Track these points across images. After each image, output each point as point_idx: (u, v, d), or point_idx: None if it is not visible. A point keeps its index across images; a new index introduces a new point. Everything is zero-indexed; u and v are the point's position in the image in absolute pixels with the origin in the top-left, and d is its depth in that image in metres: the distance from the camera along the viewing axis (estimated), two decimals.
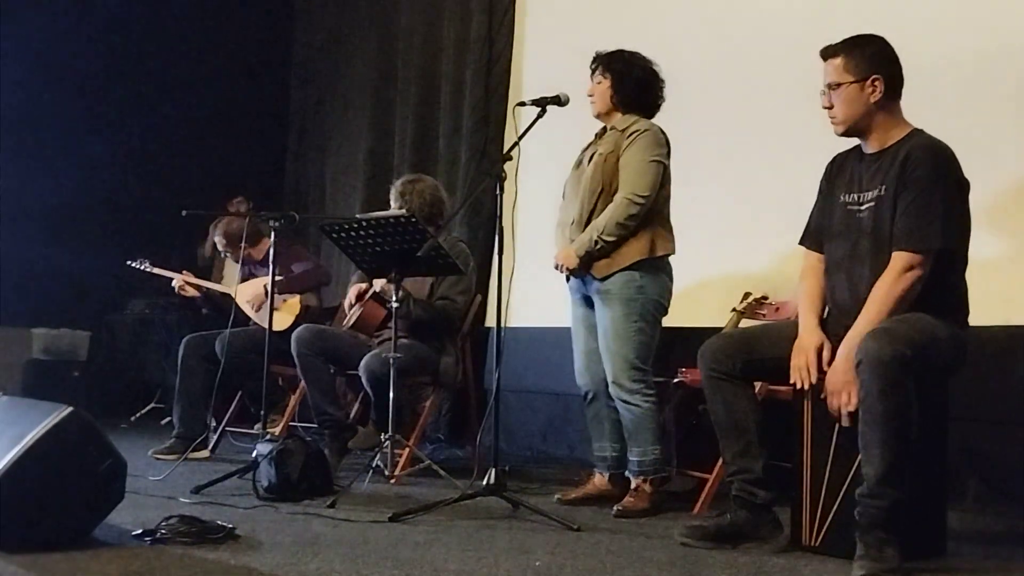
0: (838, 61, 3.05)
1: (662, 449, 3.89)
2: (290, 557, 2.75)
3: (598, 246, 3.80)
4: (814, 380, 2.98)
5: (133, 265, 5.46)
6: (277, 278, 5.08)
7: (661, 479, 3.89)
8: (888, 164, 3.02)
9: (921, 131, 3.05)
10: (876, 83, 3.02)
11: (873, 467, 2.73)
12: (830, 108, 3.08)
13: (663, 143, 3.89)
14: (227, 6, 7.74)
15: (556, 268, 3.95)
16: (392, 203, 4.83)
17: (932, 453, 2.98)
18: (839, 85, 3.04)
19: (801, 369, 3.01)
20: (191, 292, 5.42)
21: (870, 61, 3.03)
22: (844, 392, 2.86)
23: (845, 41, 3.07)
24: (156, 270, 5.47)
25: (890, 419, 2.71)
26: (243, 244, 5.20)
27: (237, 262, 5.42)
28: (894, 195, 2.96)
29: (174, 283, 5.42)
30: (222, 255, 5.54)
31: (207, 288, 5.45)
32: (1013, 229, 3.96)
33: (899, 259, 2.92)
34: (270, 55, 8.12)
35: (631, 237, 3.81)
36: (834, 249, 3.14)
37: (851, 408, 2.85)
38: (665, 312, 3.95)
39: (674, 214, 3.97)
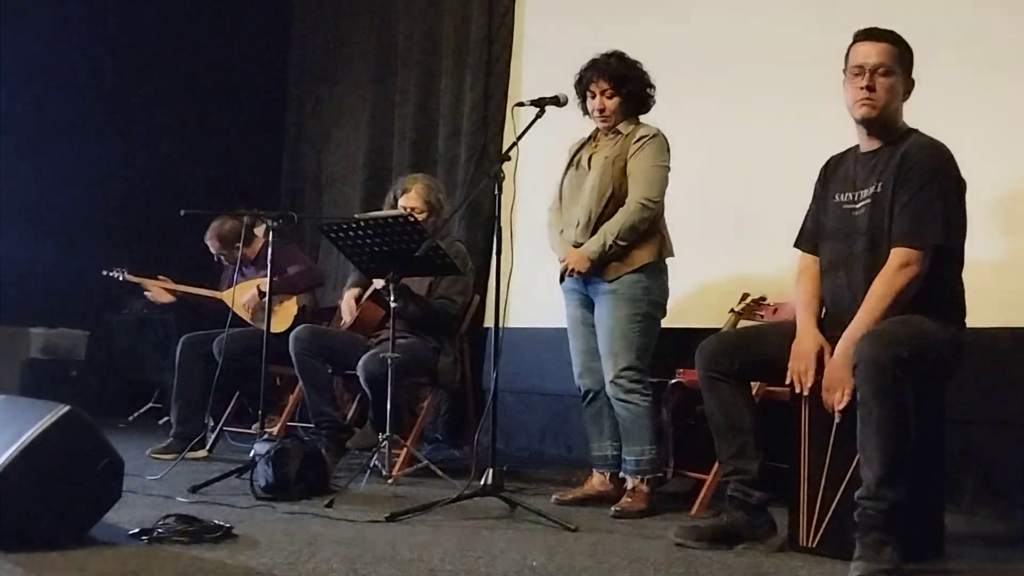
0: (896, 50, 3.03)
1: (659, 449, 3.90)
2: (287, 557, 2.75)
3: (611, 250, 3.81)
4: (812, 384, 2.97)
5: (110, 275, 5.43)
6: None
7: (657, 479, 3.90)
8: (884, 162, 3.02)
9: (917, 130, 3.06)
10: (910, 86, 3.06)
11: (872, 469, 2.73)
12: (871, 89, 3.00)
13: (667, 149, 3.92)
14: (226, 6, 7.74)
15: (564, 271, 3.95)
16: (402, 203, 4.81)
17: (930, 455, 2.98)
18: (891, 72, 3.01)
19: (800, 374, 3.01)
20: (168, 298, 5.35)
21: (910, 66, 3.06)
22: (839, 389, 2.87)
23: (895, 34, 3.05)
24: (132, 278, 5.42)
25: (888, 421, 2.70)
26: (239, 244, 5.19)
27: (232, 264, 5.40)
28: (892, 192, 2.96)
29: (149, 294, 5.36)
30: (215, 259, 5.49)
31: (187, 292, 5.37)
32: (1010, 230, 3.96)
33: (897, 255, 2.92)
34: (268, 55, 8.10)
35: (641, 241, 3.84)
36: (830, 249, 3.14)
37: (842, 405, 2.85)
38: (664, 314, 3.98)
39: (672, 215, 3.98)
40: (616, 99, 3.93)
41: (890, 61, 3.01)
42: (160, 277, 5.40)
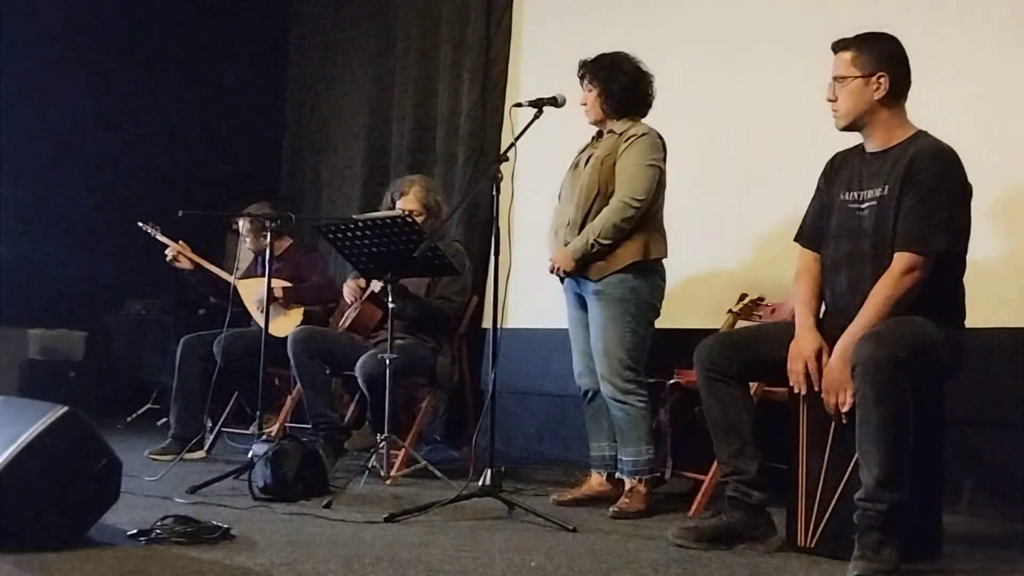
0: (848, 55, 3.07)
1: (655, 449, 3.90)
2: (285, 557, 2.75)
3: (594, 249, 3.80)
4: (816, 387, 2.96)
5: (143, 227, 5.38)
6: (286, 284, 5.10)
7: (655, 479, 3.89)
8: (891, 164, 3.02)
9: (926, 133, 3.05)
10: (881, 80, 3.02)
11: (871, 471, 2.74)
12: (834, 101, 3.09)
13: (660, 147, 3.90)
14: (225, 8, 7.74)
15: (552, 271, 3.96)
16: (400, 205, 4.80)
17: (928, 455, 2.97)
18: (845, 78, 3.05)
19: (800, 374, 3.00)
20: (184, 264, 5.27)
21: (878, 58, 3.04)
22: (840, 391, 2.87)
23: (856, 36, 3.09)
24: (163, 238, 5.32)
25: (887, 423, 2.71)
26: (265, 234, 5.18)
27: (252, 250, 5.41)
28: (898, 196, 2.96)
29: (168, 252, 5.27)
30: (242, 237, 5.48)
31: (204, 266, 5.32)
32: (1010, 231, 3.96)
33: (901, 260, 2.91)
34: (267, 57, 8.10)
35: (626, 240, 3.82)
36: (833, 248, 3.14)
37: (846, 407, 2.85)
38: (657, 314, 3.96)
39: (670, 215, 3.97)
40: (592, 92, 3.96)
41: (846, 68, 3.06)
42: (180, 243, 5.33)
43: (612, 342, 3.83)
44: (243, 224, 5.38)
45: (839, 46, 3.10)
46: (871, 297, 2.92)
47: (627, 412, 3.83)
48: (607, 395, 3.87)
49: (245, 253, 5.50)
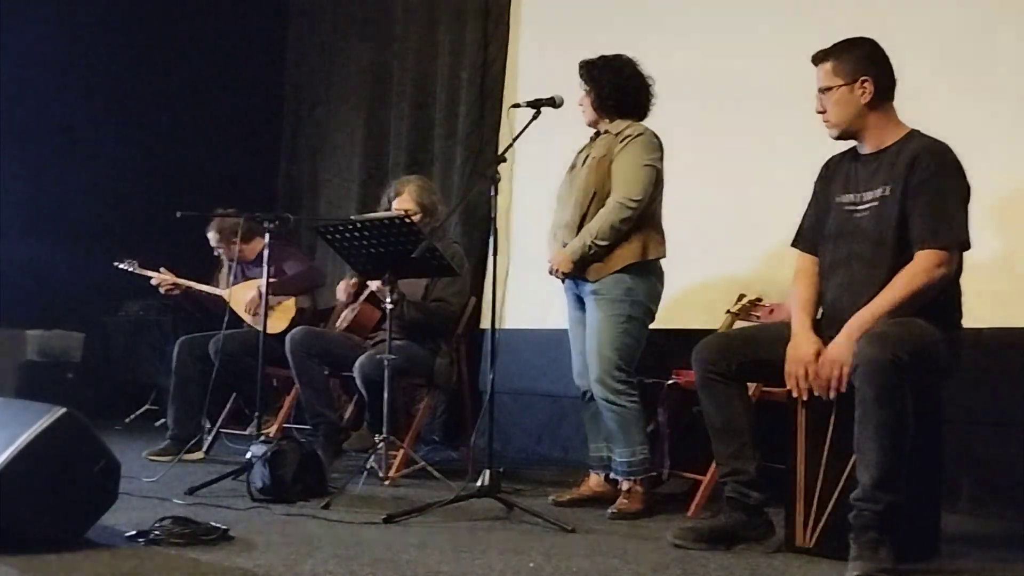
0: (828, 65, 3.08)
1: (652, 449, 3.89)
2: (284, 558, 2.75)
3: (591, 250, 3.80)
4: (816, 392, 2.94)
5: (120, 267, 5.40)
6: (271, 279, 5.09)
7: (653, 480, 3.89)
8: (889, 164, 3.02)
9: (919, 132, 3.05)
10: (866, 84, 3.03)
11: (869, 472, 2.73)
12: (823, 112, 3.11)
13: (656, 147, 3.89)
14: (223, 9, 7.74)
15: (550, 272, 3.96)
16: (395, 205, 4.80)
17: (926, 455, 2.97)
18: (830, 89, 3.07)
19: (799, 378, 2.99)
20: (174, 290, 5.30)
21: (859, 63, 3.05)
22: (839, 366, 2.85)
23: (834, 45, 3.10)
24: (143, 271, 5.40)
25: (886, 425, 2.70)
26: (236, 240, 5.20)
27: (230, 260, 5.41)
28: (901, 196, 2.95)
29: (153, 282, 5.29)
30: (215, 253, 5.51)
31: (191, 287, 5.36)
32: (1007, 230, 3.97)
33: (927, 257, 2.89)
34: (264, 58, 8.10)
35: (624, 240, 3.82)
36: (831, 251, 3.13)
37: (842, 386, 2.85)
38: (652, 316, 3.95)
39: (668, 216, 3.97)
40: (586, 92, 3.97)
41: (829, 78, 3.08)
42: (161, 270, 5.35)
43: (604, 342, 3.82)
44: (212, 236, 5.38)
45: (818, 58, 3.12)
46: (893, 283, 2.89)
47: (617, 413, 3.82)
48: (598, 396, 3.86)
49: (226, 265, 5.52)
